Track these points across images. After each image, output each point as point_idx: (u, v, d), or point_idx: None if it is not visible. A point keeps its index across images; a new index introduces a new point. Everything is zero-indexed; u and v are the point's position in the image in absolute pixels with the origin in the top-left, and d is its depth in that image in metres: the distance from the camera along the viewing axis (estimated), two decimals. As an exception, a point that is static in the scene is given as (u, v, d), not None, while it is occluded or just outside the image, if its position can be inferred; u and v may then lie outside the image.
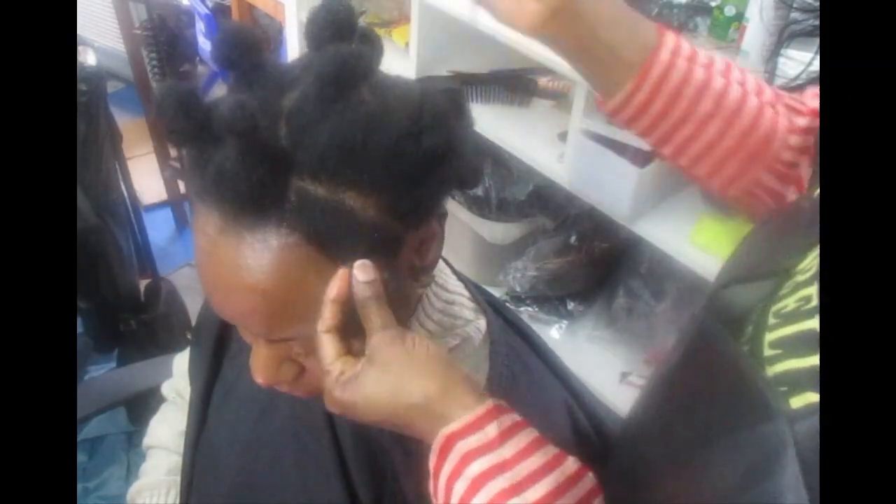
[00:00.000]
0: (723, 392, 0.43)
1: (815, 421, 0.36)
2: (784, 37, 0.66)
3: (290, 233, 0.48)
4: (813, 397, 0.38)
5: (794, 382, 0.39)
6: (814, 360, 0.39)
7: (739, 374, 0.41)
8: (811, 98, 0.62)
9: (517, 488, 0.48)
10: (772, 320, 0.45)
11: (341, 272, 0.50)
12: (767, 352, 0.44)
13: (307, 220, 0.48)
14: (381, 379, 0.50)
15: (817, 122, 0.59)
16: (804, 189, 0.61)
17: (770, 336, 0.44)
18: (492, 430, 0.49)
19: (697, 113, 0.59)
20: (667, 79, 0.58)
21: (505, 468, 0.49)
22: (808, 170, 0.60)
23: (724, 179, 0.62)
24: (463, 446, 0.49)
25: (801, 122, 0.60)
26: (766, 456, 0.37)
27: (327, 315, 0.50)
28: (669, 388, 0.52)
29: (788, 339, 0.43)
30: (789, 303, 0.44)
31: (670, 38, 0.59)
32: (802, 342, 0.41)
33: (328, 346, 0.51)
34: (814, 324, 0.40)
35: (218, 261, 0.50)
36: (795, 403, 0.38)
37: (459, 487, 0.49)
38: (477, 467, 0.48)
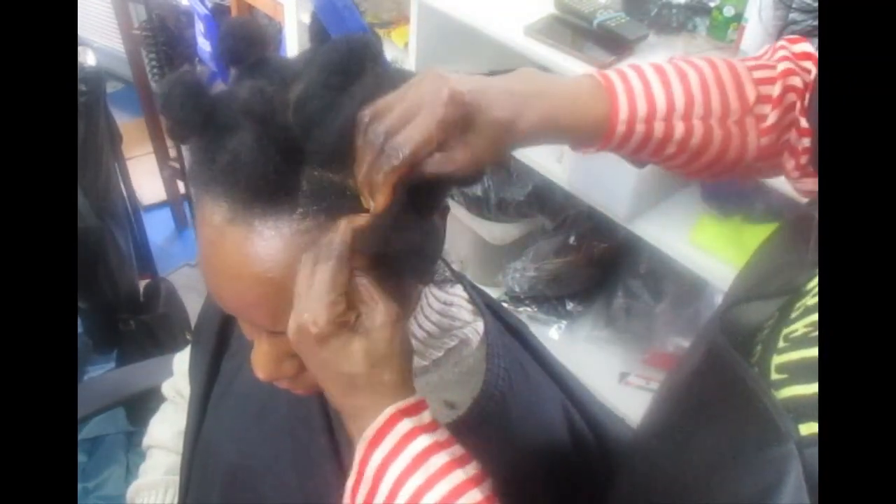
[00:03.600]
0: (736, 413, 0.43)
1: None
2: (783, 37, 0.65)
3: (302, 219, 0.48)
4: (816, 427, 0.38)
5: (799, 409, 0.40)
6: (816, 389, 0.39)
7: (751, 397, 0.41)
8: (781, 62, 0.61)
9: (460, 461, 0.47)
10: (781, 343, 0.45)
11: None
12: (774, 375, 0.44)
13: (322, 205, 0.48)
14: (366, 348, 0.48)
15: (787, 96, 0.58)
16: (798, 155, 0.60)
17: (777, 359, 0.44)
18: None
19: (664, 154, 0.59)
20: (625, 145, 0.58)
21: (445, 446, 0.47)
22: (794, 135, 0.59)
23: (709, 178, 0.63)
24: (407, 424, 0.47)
25: (772, 117, 0.59)
26: (771, 481, 0.38)
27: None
28: (683, 403, 0.51)
29: (793, 364, 0.43)
30: (799, 327, 0.44)
31: (623, 106, 0.56)
32: (807, 369, 0.41)
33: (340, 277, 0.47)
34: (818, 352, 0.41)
35: (225, 251, 0.49)
36: (804, 430, 0.39)
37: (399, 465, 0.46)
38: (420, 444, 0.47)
